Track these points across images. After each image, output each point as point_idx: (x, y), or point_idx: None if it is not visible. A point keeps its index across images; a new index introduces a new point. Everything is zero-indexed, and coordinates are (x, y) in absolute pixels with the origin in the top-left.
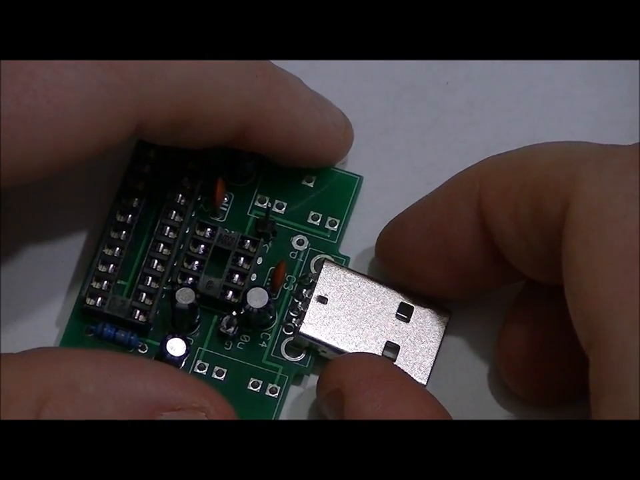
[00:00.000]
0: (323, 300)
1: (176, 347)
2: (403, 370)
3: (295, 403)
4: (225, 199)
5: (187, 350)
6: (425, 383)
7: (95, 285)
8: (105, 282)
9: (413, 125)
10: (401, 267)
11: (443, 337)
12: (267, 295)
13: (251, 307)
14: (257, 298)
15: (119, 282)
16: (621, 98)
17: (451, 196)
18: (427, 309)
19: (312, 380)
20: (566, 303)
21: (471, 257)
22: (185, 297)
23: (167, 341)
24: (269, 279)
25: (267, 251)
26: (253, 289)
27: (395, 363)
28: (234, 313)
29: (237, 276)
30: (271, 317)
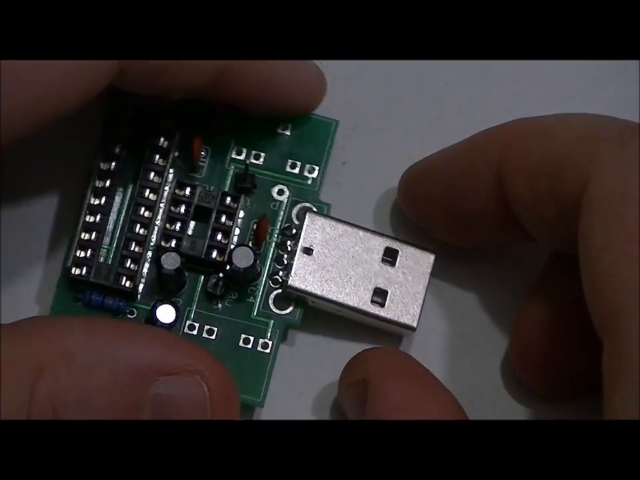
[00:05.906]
0: (308, 251)
1: (165, 313)
2: (425, 367)
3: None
4: (203, 153)
5: (176, 316)
6: (415, 326)
7: (79, 253)
8: (89, 250)
9: (413, 125)
10: (416, 209)
11: (429, 278)
12: (252, 253)
13: (237, 266)
14: (242, 257)
15: (102, 249)
16: (621, 98)
17: (471, 154)
18: (411, 251)
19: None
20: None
21: (484, 216)
22: (170, 262)
23: (156, 308)
24: (252, 233)
25: (249, 203)
26: (237, 248)
27: (384, 308)
28: (220, 275)
29: (220, 234)
30: (257, 271)
